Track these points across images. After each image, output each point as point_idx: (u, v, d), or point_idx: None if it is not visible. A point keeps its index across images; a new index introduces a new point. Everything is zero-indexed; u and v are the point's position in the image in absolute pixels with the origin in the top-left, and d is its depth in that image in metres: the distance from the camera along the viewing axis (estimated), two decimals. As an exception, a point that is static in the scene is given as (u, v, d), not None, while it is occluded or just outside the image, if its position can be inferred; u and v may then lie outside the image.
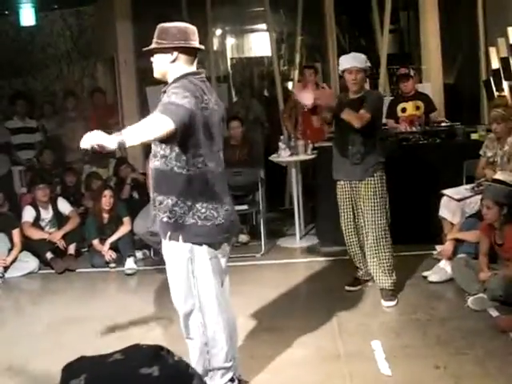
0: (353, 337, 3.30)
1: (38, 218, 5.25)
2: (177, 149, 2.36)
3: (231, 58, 9.69)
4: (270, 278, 4.52)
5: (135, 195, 5.68)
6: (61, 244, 5.14)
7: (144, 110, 6.14)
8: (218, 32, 9.08)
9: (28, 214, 5.23)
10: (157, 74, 2.49)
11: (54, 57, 7.59)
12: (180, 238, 2.43)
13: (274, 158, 5.42)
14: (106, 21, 6.94)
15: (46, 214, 5.29)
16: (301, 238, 5.31)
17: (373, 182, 3.72)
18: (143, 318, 3.75)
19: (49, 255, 5.07)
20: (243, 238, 5.33)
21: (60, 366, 3.05)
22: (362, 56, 3.74)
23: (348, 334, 3.35)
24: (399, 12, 8.21)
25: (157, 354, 0.58)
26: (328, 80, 6.89)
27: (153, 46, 2.41)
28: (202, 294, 2.50)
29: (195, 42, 2.43)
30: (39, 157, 6.21)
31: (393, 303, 3.72)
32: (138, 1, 6.77)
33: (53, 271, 4.98)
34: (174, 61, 2.40)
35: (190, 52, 2.42)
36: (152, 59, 2.45)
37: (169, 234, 2.46)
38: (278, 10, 7.97)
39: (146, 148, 6.25)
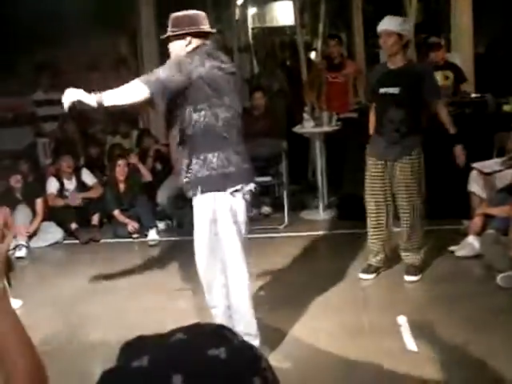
0: (378, 312, 3.26)
1: (61, 189, 5.28)
2: (179, 107, 2.57)
3: (253, 28, 9.51)
4: (292, 250, 4.48)
5: (158, 166, 5.67)
6: (77, 202, 5.12)
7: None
8: (240, 2, 8.89)
9: (52, 185, 5.26)
10: None
11: (76, 28, 7.53)
12: (198, 191, 2.58)
13: (297, 129, 5.32)
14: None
15: (70, 185, 5.32)
16: (324, 211, 5.25)
17: (410, 161, 3.51)
18: (167, 289, 3.77)
19: (73, 226, 5.11)
20: (266, 209, 5.29)
21: (87, 335, 3.14)
22: (397, 18, 3.46)
23: (373, 308, 3.32)
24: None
25: (221, 334, 0.55)
26: (353, 50, 6.71)
27: (168, 34, 2.67)
28: (227, 252, 2.58)
29: (205, 26, 2.72)
30: (63, 128, 6.22)
31: (416, 278, 3.66)
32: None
33: (77, 242, 5.03)
34: (188, 45, 2.65)
35: (201, 35, 2.68)
36: (168, 46, 2.70)
37: (191, 191, 2.62)
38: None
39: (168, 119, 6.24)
